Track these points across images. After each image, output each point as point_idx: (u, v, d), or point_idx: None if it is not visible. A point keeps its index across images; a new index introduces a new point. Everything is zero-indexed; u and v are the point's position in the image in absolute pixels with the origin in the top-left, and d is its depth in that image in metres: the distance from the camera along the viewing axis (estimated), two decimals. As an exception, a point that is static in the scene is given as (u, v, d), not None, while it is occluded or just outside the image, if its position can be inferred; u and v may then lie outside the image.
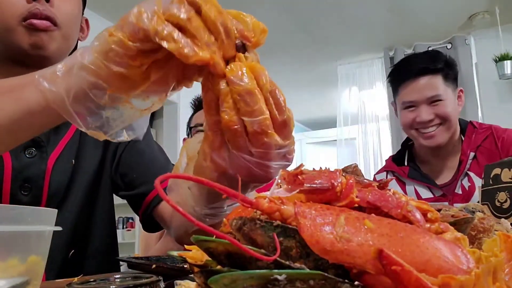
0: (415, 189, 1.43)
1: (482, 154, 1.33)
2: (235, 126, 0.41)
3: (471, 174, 1.35)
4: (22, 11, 0.73)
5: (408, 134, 1.43)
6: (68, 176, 0.83)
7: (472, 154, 1.34)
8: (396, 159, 1.52)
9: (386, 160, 1.59)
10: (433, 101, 1.33)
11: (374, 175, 1.60)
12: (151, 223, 0.91)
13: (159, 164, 0.92)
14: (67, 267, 0.80)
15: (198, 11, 0.40)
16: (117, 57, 0.40)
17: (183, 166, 0.52)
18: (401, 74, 1.41)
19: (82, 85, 0.42)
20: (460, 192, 1.35)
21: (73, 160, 0.84)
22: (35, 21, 0.73)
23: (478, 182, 1.28)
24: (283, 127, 0.44)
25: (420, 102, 1.34)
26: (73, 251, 0.81)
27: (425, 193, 1.41)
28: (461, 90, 1.43)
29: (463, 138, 1.40)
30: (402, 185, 1.46)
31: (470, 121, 1.42)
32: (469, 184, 1.34)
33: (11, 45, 0.75)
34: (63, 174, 0.82)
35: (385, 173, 1.53)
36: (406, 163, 1.48)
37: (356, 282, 0.26)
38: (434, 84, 1.34)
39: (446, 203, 1.34)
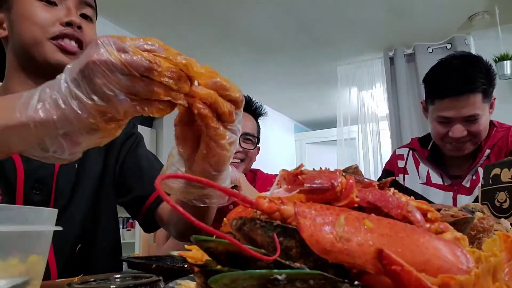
0: (428, 171, 1.45)
1: (494, 153, 1.35)
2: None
3: (480, 170, 1.37)
4: (54, 31, 0.79)
5: (436, 141, 1.43)
6: (73, 179, 0.88)
7: (487, 151, 1.36)
8: (421, 140, 1.53)
9: (411, 139, 1.60)
10: (469, 120, 1.30)
11: (396, 149, 1.62)
12: (151, 224, 0.97)
13: (156, 168, 0.98)
14: (75, 263, 0.85)
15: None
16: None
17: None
18: (440, 85, 1.32)
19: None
20: (468, 185, 1.38)
21: (76, 164, 0.90)
22: (66, 45, 0.79)
23: None
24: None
25: (456, 119, 1.31)
26: (80, 245, 0.86)
27: (436, 178, 1.44)
28: (494, 98, 1.39)
29: None
30: (417, 163, 1.49)
31: (491, 120, 1.41)
32: (475, 178, 1.37)
33: (39, 58, 0.80)
34: (68, 176, 0.87)
35: (407, 149, 1.55)
36: (429, 147, 1.49)
37: (356, 282, 0.26)
38: (473, 103, 1.28)
39: (449, 193, 1.39)
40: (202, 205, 0.62)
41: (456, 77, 1.29)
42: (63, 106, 0.44)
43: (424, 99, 1.47)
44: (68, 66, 0.46)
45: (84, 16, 0.85)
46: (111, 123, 0.46)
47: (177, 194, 0.60)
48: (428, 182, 1.45)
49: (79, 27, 0.82)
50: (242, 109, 0.53)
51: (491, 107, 1.39)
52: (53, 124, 0.45)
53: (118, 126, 0.47)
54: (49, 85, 0.46)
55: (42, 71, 0.82)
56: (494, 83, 1.34)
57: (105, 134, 0.47)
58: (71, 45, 0.81)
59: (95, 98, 0.43)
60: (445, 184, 1.42)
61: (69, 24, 0.80)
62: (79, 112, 0.44)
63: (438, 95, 1.32)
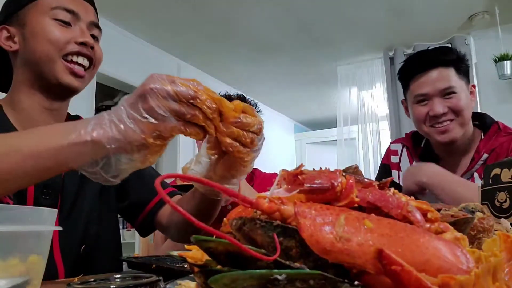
0: None
1: (491, 159, 1.28)
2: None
3: (476, 175, 1.31)
4: (69, 49, 0.85)
5: (421, 131, 1.38)
6: (77, 183, 0.92)
7: (485, 156, 1.29)
8: (415, 136, 1.47)
9: (406, 134, 1.53)
10: (446, 93, 1.29)
11: (391, 143, 1.55)
12: (147, 228, 1.02)
13: (156, 176, 1.04)
14: (81, 263, 0.88)
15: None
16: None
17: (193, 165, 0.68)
18: (412, 68, 1.37)
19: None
20: None
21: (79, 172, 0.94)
22: (75, 69, 0.86)
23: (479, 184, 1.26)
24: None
25: (433, 94, 1.30)
26: (84, 246, 0.89)
27: None
28: (473, 86, 1.37)
29: (482, 136, 1.34)
30: (411, 160, 1.43)
31: (496, 121, 1.36)
32: None
33: (51, 76, 0.85)
34: (73, 181, 0.91)
35: (401, 145, 1.49)
36: (422, 144, 1.44)
37: (356, 282, 0.26)
38: (447, 76, 1.29)
39: None
40: (216, 198, 0.75)
41: (427, 56, 1.36)
42: (119, 124, 0.54)
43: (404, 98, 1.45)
44: (125, 96, 0.56)
45: (92, 36, 0.91)
46: (157, 140, 0.55)
47: (198, 187, 0.72)
48: None
49: (92, 47, 0.89)
50: (262, 133, 0.64)
51: (472, 94, 1.36)
52: (107, 141, 0.54)
53: (162, 145, 0.57)
54: (106, 112, 0.56)
55: (51, 88, 0.87)
56: (466, 63, 1.35)
57: (151, 151, 0.56)
58: (81, 67, 0.87)
59: (148, 116, 0.53)
60: None
61: (83, 44, 0.87)
62: (133, 128, 0.53)
63: (412, 74, 1.35)
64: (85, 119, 0.57)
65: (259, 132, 0.62)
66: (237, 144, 0.60)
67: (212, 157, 0.66)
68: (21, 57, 0.87)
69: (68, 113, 0.98)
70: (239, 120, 0.58)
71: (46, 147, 0.56)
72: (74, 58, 0.86)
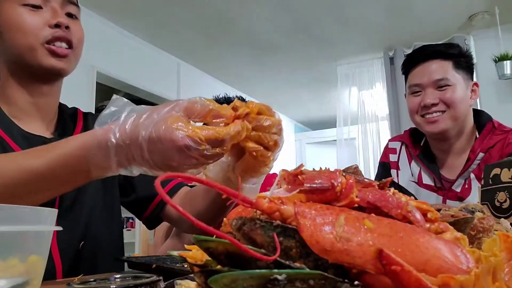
0: (420, 171, 1.38)
1: (487, 157, 1.26)
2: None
3: (472, 176, 1.29)
4: (45, 35, 0.81)
5: (413, 121, 1.38)
6: None
7: (481, 155, 1.27)
8: (414, 133, 1.45)
9: (404, 131, 1.52)
10: (440, 86, 1.29)
11: (389, 141, 1.53)
12: (155, 221, 1.00)
13: None
14: (80, 262, 0.86)
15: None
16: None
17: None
18: (412, 60, 1.38)
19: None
20: (458, 190, 1.30)
21: None
22: (57, 49, 0.82)
23: (476, 186, 1.24)
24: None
25: (426, 85, 1.30)
26: (83, 242, 0.86)
27: (427, 179, 1.37)
28: (475, 84, 1.36)
29: (477, 135, 1.32)
30: (410, 159, 1.42)
31: (491, 119, 1.35)
32: (467, 187, 1.29)
33: (33, 63, 0.82)
34: None
35: (399, 143, 1.47)
36: (422, 142, 1.42)
37: (356, 282, 0.26)
38: (443, 68, 1.29)
39: (440, 197, 1.31)
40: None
41: (428, 48, 1.37)
42: (145, 166, 0.56)
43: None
44: (144, 137, 0.54)
45: (69, 15, 0.86)
46: None
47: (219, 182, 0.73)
48: (420, 183, 1.37)
49: (67, 27, 0.83)
50: (282, 134, 0.63)
51: (474, 92, 1.34)
52: (130, 169, 0.58)
53: None
54: (121, 137, 0.55)
55: (36, 75, 0.84)
56: (468, 59, 1.36)
57: None
58: (62, 48, 0.83)
59: (178, 167, 0.55)
60: (436, 186, 1.34)
61: (57, 25, 0.82)
62: (159, 171, 0.56)
63: (411, 66, 1.36)
64: (103, 148, 0.57)
65: (279, 133, 0.61)
66: (261, 147, 0.59)
67: (229, 158, 0.65)
68: (1, 52, 0.85)
69: (61, 103, 0.95)
70: (258, 123, 0.58)
71: (74, 180, 0.62)
72: (52, 46, 0.82)
